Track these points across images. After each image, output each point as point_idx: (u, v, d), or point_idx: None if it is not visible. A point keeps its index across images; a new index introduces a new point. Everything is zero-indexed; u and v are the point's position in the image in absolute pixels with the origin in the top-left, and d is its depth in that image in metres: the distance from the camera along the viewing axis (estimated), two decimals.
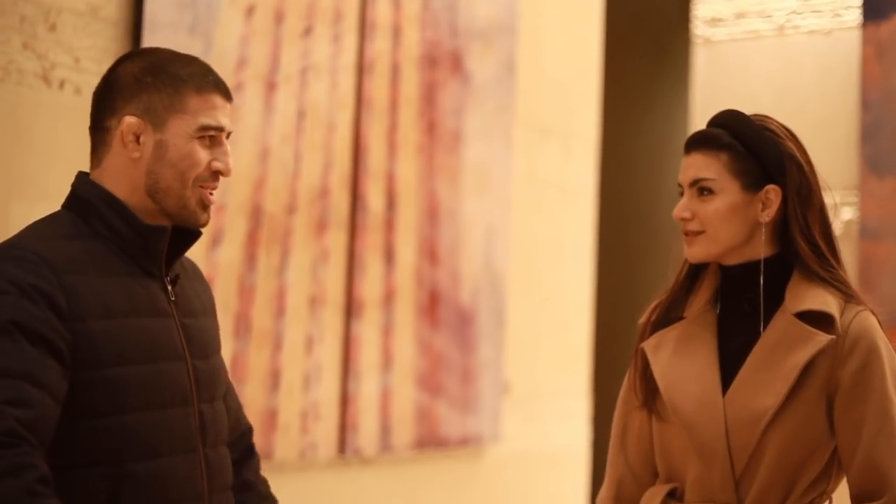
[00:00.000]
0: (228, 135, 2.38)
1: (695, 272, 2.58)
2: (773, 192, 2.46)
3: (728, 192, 2.45)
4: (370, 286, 4.26)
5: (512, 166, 5.01)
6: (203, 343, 2.41)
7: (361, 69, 4.22)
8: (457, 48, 4.70)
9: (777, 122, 2.52)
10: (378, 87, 4.30)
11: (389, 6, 4.35)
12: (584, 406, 5.52)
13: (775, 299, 2.47)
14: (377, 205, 4.29)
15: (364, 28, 4.23)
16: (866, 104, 4.35)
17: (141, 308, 2.28)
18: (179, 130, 2.30)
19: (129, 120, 2.29)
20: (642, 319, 2.64)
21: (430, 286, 4.56)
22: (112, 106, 2.33)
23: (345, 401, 4.18)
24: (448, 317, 4.62)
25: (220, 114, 2.34)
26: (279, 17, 3.89)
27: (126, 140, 2.30)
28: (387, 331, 4.34)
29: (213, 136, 2.33)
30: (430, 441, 4.54)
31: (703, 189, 2.45)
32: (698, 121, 4.59)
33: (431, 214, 4.56)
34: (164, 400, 2.28)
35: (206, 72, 2.36)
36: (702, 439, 2.43)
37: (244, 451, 2.58)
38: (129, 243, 2.30)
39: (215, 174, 2.34)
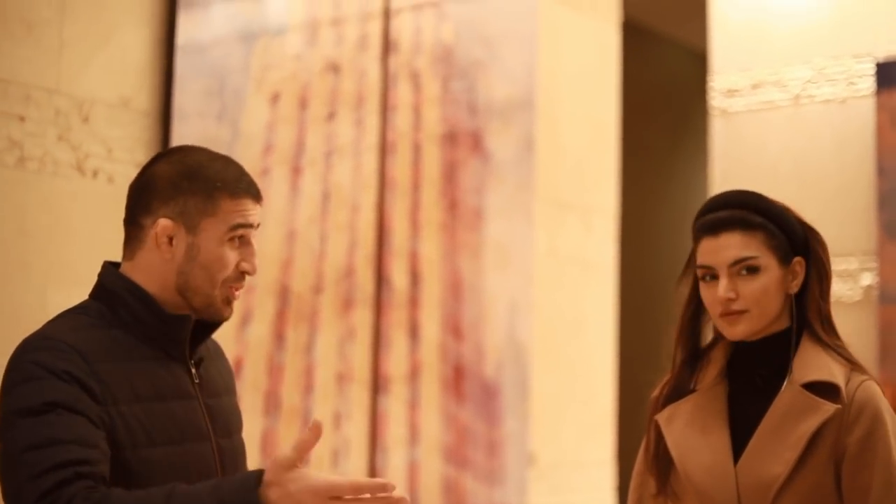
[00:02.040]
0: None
1: (698, 348, 2.64)
2: (798, 265, 2.53)
3: (772, 268, 2.49)
4: (396, 362, 4.36)
5: (533, 241, 4.70)
6: (226, 421, 2.48)
7: (384, 150, 4.34)
8: (476, 127, 4.63)
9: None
10: (400, 168, 4.39)
11: (410, 88, 4.40)
12: (609, 476, 4.99)
13: (784, 370, 2.51)
14: (401, 282, 4.37)
15: (385, 110, 4.33)
16: (882, 170, 4.10)
17: (166, 392, 2.36)
18: (211, 234, 2.37)
19: (164, 223, 2.36)
20: (654, 394, 2.69)
21: (454, 361, 4.54)
22: (148, 205, 2.39)
23: (373, 475, 4.25)
24: (473, 390, 4.56)
25: (251, 215, 2.40)
26: (303, 103, 4.10)
27: (160, 241, 2.37)
28: (413, 405, 4.39)
29: (241, 236, 2.39)
30: None
31: (748, 268, 2.48)
32: (717, 191, 4.58)
33: (455, 290, 4.54)
34: (189, 479, 2.30)
35: (239, 175, 2.42)
36: None
37: None
38: (153, 331, 2.37)
39: (242, 274, 2.41)
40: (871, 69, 4.32)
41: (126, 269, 2.41)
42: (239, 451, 2.50)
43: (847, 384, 2.47)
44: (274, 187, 3.92)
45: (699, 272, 2.54)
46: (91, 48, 3.49)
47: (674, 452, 2.55)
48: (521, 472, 4.71)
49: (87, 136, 3.46)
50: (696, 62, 6.82)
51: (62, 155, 3.40)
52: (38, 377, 2.21)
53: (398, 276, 4.37)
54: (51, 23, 3.38)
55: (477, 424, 4.60)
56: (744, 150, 4.55)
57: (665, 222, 6.57)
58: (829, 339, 2.53)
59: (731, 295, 2.47)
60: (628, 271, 5.69)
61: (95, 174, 3.46)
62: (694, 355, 2.64)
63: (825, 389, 2.47)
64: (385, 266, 4.35)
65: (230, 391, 2.56)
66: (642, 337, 5.72)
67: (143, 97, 3.61)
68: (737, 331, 2.50)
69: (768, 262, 2.49)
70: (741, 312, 2.48)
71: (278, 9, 3.95)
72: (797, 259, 2.53)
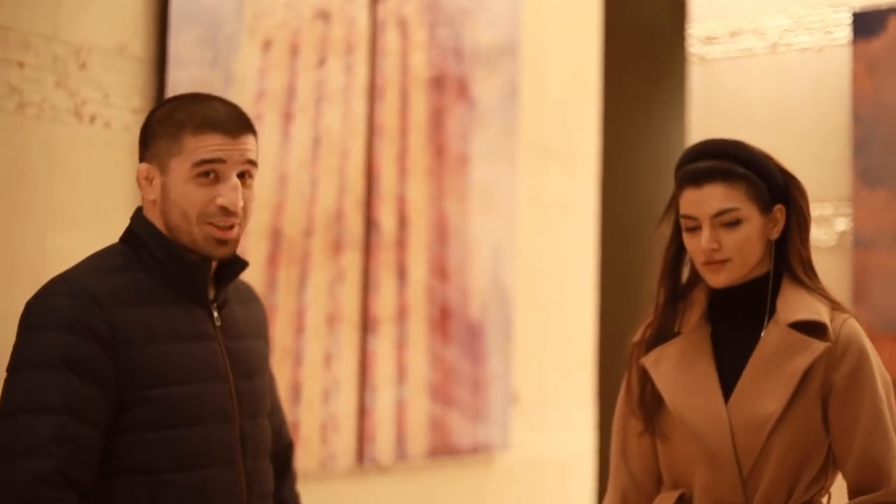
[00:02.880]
0: (246, 172, 2.48)
1: (679, 290, 2.69)
2: (779, 212, 2.59)
3: (753, 218, 2.55)
4: (384, 303, 4.37)
5: (517, 186, 4.87)
6: (248, 364, 2.55)
7: (373, 97, 4.35)
8: (462, 73, 4.68)
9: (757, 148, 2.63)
10: (388, 114, 4.41)
11: (397, 35, 4.43)
12: (588, 415, 5.21)
13: (765, 312, 2.58)
14: (389, 226, 4.39)
15: (374, 57, 4.35)
16: (858, 118, 4.16)
17: (184, 333, 2.44)
18: (178, 173, 2.44)
19: (141, 166, 2.49)
20: (635, 338, 2.73)
21: (440, 302, 4.61)
22: (139, 152, 2.53)
23: (362, 413, 4.28)
24: (458, 331, 4.67)
25: (220, 150, 2.43)
26: (294, 51, 4.11)
27: (142, 184, 2.49)
28: (401, 345, 4.42)
29: (215, 172, 2.43)
30: (443, 450, 4.60)
31: (730, 220, 2.53)
32: (695, 137, 4.42)
33: (441, 234, 4.60)
34: (205, 417, 2.44)
35: (211, 113, 2.46)
36: (710, 446, 2.53)
37: (281, 467, 2.73)
38: (174, 274, 2.46)
39: (222, 209, 2.43)
40: (847, 18, 4.33)
41: (144, 214, 2.52)
42: (259, 394, 2.57)
43: (831, 322, 2.54)
44: (266, 133, 3.93)
45: (682, 222, 2.59)
46: None
47: (665, 395, 2.59)
48: (504, 410, 4.84)
49: (85, 83, 3.50)
50: (673, 8, 6.86)
51: (60, 101, 3.44)
52: (53, 326, 2.34)
53: (386, 220, 4.38)
54: None
55: (462, 364, 4.68)
56: (721, 96, 4.54)
57: (641, 167, 6.60)
58: (810, 282, 2.59)
59: (714, 245, 2.53)
60: (608, 215, 5.76)
61: (93, 119, 3.50)
62: (675, 295, 2.68)
63: (812, 328, 2.54)
64: (374, 210, 4.36)
65: (258, 335, 2.62)
66: (619, 279, 5.82)
67: (138, 44, 3.62)
68: (720, 279, 2.55)
69: (750, 212, 2.53)
70: (723, 262, 2.54)
71: None
72: (778, 206, 2.58)
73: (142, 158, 2.51)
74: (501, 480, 4.97)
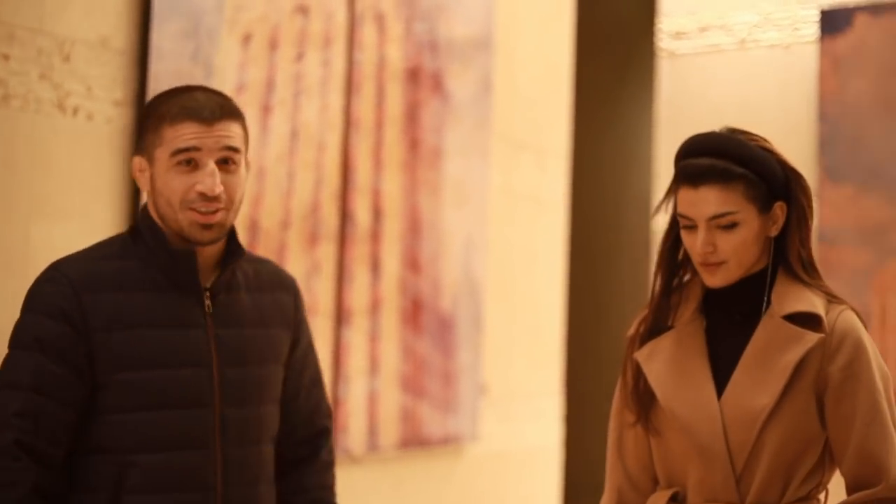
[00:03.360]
0: (228, 159, 2.52)
1: (674, 283, 2.62)
2: (779, 209, 2.51)
3: (750, 220, 2.47)
4: (358, 295, 4.42)
5: (489, 180, 4.89)
6: (242, 351, 2.60)
7: (349, 90, 4.38)
8: (437, 68, 4.72)
9: (762, 137, 2.54)
10: (365, 108, 4.44)
11: (374, 30, 4.46)
12: (556, 406, 5.19)
13: (761, 307, 2.52)
14: (364, 218, 4.43)
15: (351, 51, 4.39)
16: (824, 116, 4.28)
17: (163, 320, 2.52)
18: (160, 162, 2.51)
19: (134, 160, 2.59)
20: (630, 332, 2.67)
21: (413, 295, 4.66)
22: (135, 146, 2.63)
23: (335, 403, 4.30)
24: (430, 323, 4.72)
25: (194, 137, 2.49)
26: (273, 44, 4.16)
27: (136, 176, 2.59)
28: (373, 337, 4.46)
29: (193, 160, 2.50)
30: (414, 440, 4.65)
31: (726, 223, 2.45)
32: (663, 131, 4.60)
33: (414, 227, 4.65)
34: (175, 401, 2.51)
35: (187, 102, 2.52)
36: (701, 441, 2.47)
37: (309, 452, 2.78)
38: (163, 263, 2.54)
39: (201, 195, 2.49)
40: (815, 16, 4.39)
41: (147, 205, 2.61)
42: (255, 382, 2.61)
43: (827, 314, 2.48)
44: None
45: (679, 219, 2.52)
46: None
47: (657, 390, 2.54)
48: (474, 402, 4.88)
49: (68, 75, 3.53)
50: (642, 3, 6.96)
51: (44, 93, 3.47)
52: (34, 309, 2.50)
53: (361, 213, 4.42)
54: None
55: (433, 356, 4.73)
56: (690, 91, 4.60)
57: (609, 160, 6.67)
58: (808, 277, 2.53)
59: (710, 248, 2.46)
60: (577, 209, 5.80)
61: (76, 112, 3.52)
62: (670, 288, 2.61)
63: (806, 320, 2.48)
64: (349, 202, 4.39)
65: (270, 323, 2.67)
66: (588, 272, 5.88)
67: (121, 37, 3.65)
68: (716, 280, 2.49)
69: (747, 214, 2.46)
70: (719, 263, 2.48)
71: None
72: (778, 204, 2.50)
73: (136, 151, 2.60)
74: (470, 471, 5.01)
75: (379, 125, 4.53)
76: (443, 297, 4.80)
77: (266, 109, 4.06)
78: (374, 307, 4.49)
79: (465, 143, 4.91)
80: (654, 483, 2.62)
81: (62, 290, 2.48)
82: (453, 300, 4.84)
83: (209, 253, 2.59)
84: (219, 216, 2.51)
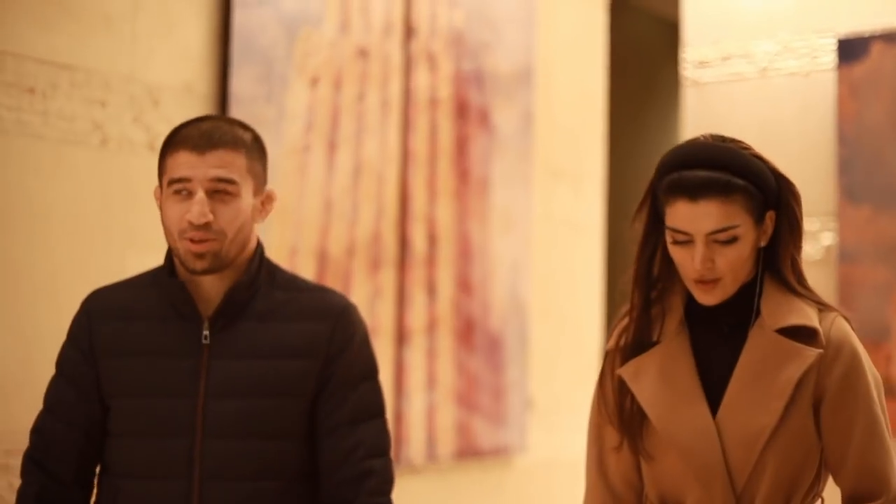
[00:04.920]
0: (219, 190, 2.43)
1: (652, 295, 2.45)
2: (770, 219, 2.37)
3: (749, 232, 2.33)
4: (416, 316, 4.58)
5: (532, 207, 5.06)
6: (235, 383, 2.47)
7: (406, 127, 4.57)
8: (483, 103, 4.89)
9: (748, 144, 2.40)
10: (419, 142, 4.62)
11: (427, 70, 4.65)
12: None
13: (749, 318, 2.38)
14: (420, 245, 4.59)
15: (407, 91, 4.58)
16: (842, 139, 4.31)
17: (155, 348, 2.48)
18: (164, 192, 2.48)
19: (154, 189, 2.55)
20: (609, 345, 2.51)
21: (465, 315, 4.82)
22: None
23: (398, 417, 4.52)
24: (481, 341, 4.89)
25: (185, 167, 2.43)
26: (337, 86, 4.34)
27: (157, 205, 2.54)
28: (430, 355, 4.70)
29: (186, 190, 2.44)
30: (468, 451, 4.81)
31: (727, 238, 2.30)
32: None
33: (465, 252, 4.86)
34: (154, 430, 2.47)
35: (186, 131, 2.47)
36: (700, 462, 2.34)
37: (352, 495, 2.54)
38: (165, 292, 2.51)
39: (190, 223, 2.42)
40: (832, 45, 4.40)
41: None
42: (247, 415, 2.46)
43: (820, 324, 2.35)
44: (313, 162, 4.12)
45: (670, 234, 2.35)
46: (159, 39, 3.75)
47: (649, 411, 2.39)
48: (521, 415, 5.05)
49: (157, 119, 3.70)
50: (663, 30, 6.84)
51: (136, 135, 3.66)
52: (67, 336, 2.60)
53: (418, 240, 4.63)
54: (125, 17, 3.66)
55: (484, 372, 4.89)
56: (713, 118, 4.56)
57: (636, 185, 6.72)
58: (798, 286, 2.39)
59: (709, 265, 2.30)
60: (611, 232, 5.89)
61: None
62: (650, 301, 2.45)
63: (801, 333, 2.34)
64: (407, 231, 4.53)
65: (282, 355, 2.49)
66: (620, 293, 6.01)
67: (203, 83, 3.83)
68: (711, 298, 2.34)
69: (746, 228, 2.31)
70: (716, 280, 2.32)
71: (316, 1, 4.21)
72: (768, 213, 2.36)
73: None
74: (520, 480, 5.12)
75: (432, 158, 4.69)
76: (492, 317, 4.98)
77: (332, 146, 4.25)
78: (431, 327, 4.65)
79: (510, 173, 5.09)
80: (639, 499, 2.50)
81: (80, 318, 2.56)
82: (502, 320, 5.01)
83: (218, 283, 2.51)
84: (210, 245, 2.43)
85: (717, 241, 2.30)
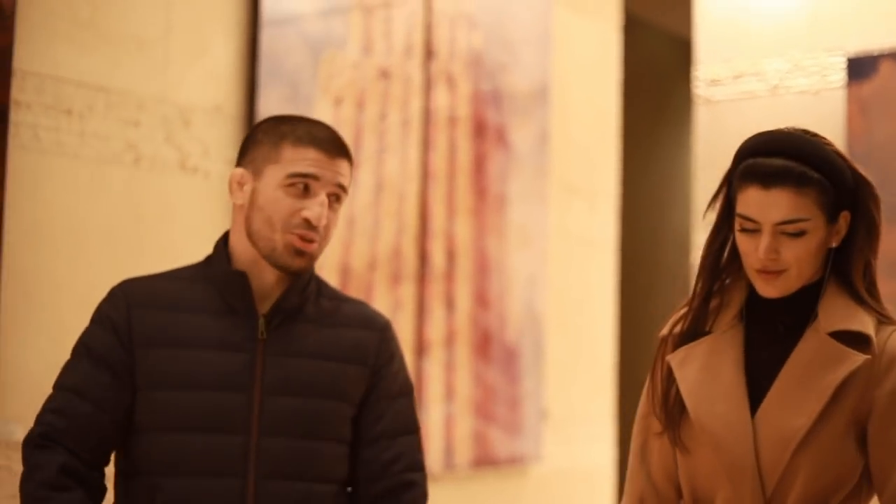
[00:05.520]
0: (337, 195, 2.47)
1: (715, 287, 2.39)
2: (844, 219, 2.30)
3: (818, 229, 2.25)
4: (435, 329, 4.65)
5: (547, 223, 5.13)
6: (292, 381, 2.45)
7: (426, 146, 4.65)
8: (501, 123, 4.96)
9: (832, 142, 2.34)
10: (438, 160, 4.70)
11: (446, 90, 4.73)
12: (610, 429, 5.39)
13: (809, 319, 2.31)
14: (439, 260, 4.66)
15: (427, 111, 4.67)
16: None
17: (209, 342, 2.44)
18: (271, 179, 2.44)
19: (236, 171, 2.50)
20: (663, 332, 2.44)
21: (483, 328, 4.87)
22: (237, 160, 2.56)
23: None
24: (498, 354, 4.94)
25: (315, 166, 2.43)
26: (360, 106, 4.44)
27: (232, 188, 2.50)
28: (449, 367, 4.75)
29: (307, 186, 2.43)
30: (485, 460, 4.84)
31: (795, 230, 2.23)
32: (699, 173, 4.70)
33: (483, 267, 4.91)
34: (208, 426, 2.41)
35: (313, 130, 2.48)
36: (731, 459, 2.27)
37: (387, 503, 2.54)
38: (221, 286, 2.48)
39: (306, 221, 2.42)
40: (842, 63, 4.41)
41: (229, 231, 2.56)
42: (303, 414, 2.45)
43: (877, 335, 2.26)
44: None
45: (739, 221, 2.29)
46: (190, 62, 3.83)
47: (688, 401, 2.32)
48: (537, 425, 5.13)
49: (189, 139, 3.79)
50: (675, 48, 6.89)
51: (169, 155, 3.75)
52: (93, 320, 2.51)
53: (437, 255, 4.69)
54: (157, 41, 3.75)
55: (501, 383, 4.95)
56: (725, 135, 4.52)
57: (644, 202, 6.55)
58: (865, 293, 2.30)
59: (773, 255, 2.24)
60: (625, 248, 5.97)
61: (195, 171, 3.77)
62: (713, 291, 2.39)
63: (854, 339, 2.25)
64: (426, 246, 4.60)
65: (335, 358, 2.49)
66: (635, 306, 6.12)
67: (232, 104, 3.91)
68: (773, 289, 2.28)
69: (817, 222, 2.23)
70: (779, 272, 2.26)
71: (340, 25, 4.29)
72: (843, 213, 2.28)
73: (238, 164, 2.53)
74: (535, 489, 5.18)
75: (451, 176, 4.77)
76: (508, 330, 5.03)
77: (355, 165, 4.34)
78: (449, 340, 4.72)
79: (526, 189, 5.14)
80: (678, 493, 2.43)
81: (116, 303, 2.46)
82: (518, 333, 5.07)
83: (276, 282, 2.50)
84: (314, 246, 2.45)
85: (784, 233, 2.24)
